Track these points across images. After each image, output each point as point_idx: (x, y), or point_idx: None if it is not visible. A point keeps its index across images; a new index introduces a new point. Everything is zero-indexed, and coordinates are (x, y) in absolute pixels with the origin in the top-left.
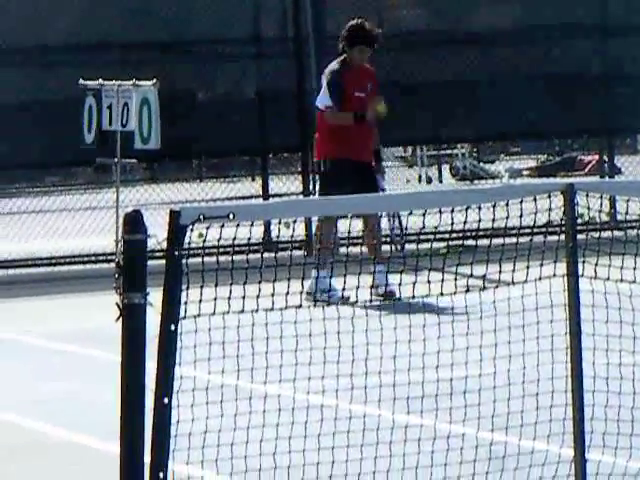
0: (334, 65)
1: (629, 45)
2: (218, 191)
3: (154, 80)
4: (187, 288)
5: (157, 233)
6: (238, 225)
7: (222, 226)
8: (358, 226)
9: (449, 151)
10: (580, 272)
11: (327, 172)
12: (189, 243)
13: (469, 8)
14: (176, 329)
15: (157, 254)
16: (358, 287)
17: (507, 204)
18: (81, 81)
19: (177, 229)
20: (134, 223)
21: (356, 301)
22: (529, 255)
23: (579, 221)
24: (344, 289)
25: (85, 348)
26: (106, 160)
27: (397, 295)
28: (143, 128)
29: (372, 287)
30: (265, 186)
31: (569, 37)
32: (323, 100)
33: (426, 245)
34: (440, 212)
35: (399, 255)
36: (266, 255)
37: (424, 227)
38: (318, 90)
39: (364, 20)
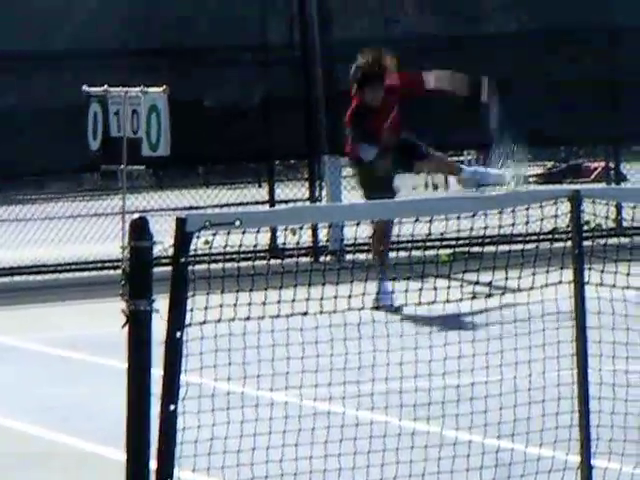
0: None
1: (635, 50)
2: (224, 197)
3: (164, 87)
4: (193, 295)
5: (163, 240)
6: (244, 232)
7: (228, 233)
8: (365, 233)
9: (455, 158)
10: (586, 279)
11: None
12: (195, 250)
13: (476, 13)
14: (182, 336)
15: (163, 261)
16: (364, 294)
17: (513, 211)
18: (84, 87)
19: (183, 236)
20: (140, 230)
21: (362, 307)
22: (535, 262)
23: (585, 228)
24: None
25: (91, 355)
26: (111, 167)
27: (391, 306)
28: (151, 135)
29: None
30: (272, 192)
31: (575, 42)
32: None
33: (432, 252)
34: (446, 219)
35: (407, 262)
36: (272, 262)
37: (430, 234)
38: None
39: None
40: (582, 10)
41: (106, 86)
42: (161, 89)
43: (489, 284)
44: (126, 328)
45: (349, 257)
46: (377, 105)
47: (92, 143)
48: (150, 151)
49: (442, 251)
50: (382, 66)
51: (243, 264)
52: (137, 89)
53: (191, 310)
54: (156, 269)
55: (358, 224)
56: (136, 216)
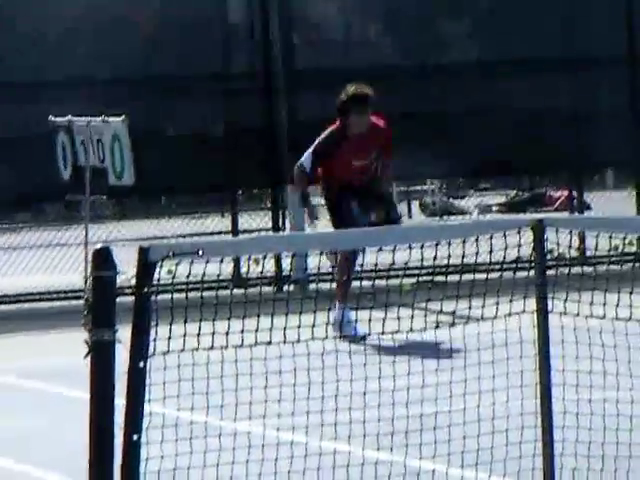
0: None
1: (598, 80)
2: (187, 227)
3: (123, 116)
4: (156, 325)
5: (126, 270)
6: (207, 261)
7: (191, 262)
8: (328, 262)
9: (419, 187)
10: (550, 308)
11: None
12: (158, 280)
13: (440, 41)
14: (145, 366)
15: (126, 291)
16: (327, 323)
17: (477, 240)
18: (51, 117)
19: (146, 265)
20: (103, 259)
21: (326, 337)
22: (499, 291)
23: (548, 257)
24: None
25: (54, 385)
26: (76, 196)
27: (354, 335)
28: (116, 164)
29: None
30: (234, 222)
31: (538, 72)
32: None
33: (395, 281)
34: (410, 248)
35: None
36: (236, 291)
37: (394, 263)
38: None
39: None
40: (545, 39)
41: (70, 116)
42: (121, 119)
43: (453, 313)
44: (89, 358)
45: (313, 286)
46: (358, 132)
47: (63, 172)
48: (116, 180)
49: (405, 280)
50: (371, 95)
51: (206, 294)
52: (99, 119)
53: (154, 340)
54: (119, 299)
55: (322, 253)
56: (99, 246)
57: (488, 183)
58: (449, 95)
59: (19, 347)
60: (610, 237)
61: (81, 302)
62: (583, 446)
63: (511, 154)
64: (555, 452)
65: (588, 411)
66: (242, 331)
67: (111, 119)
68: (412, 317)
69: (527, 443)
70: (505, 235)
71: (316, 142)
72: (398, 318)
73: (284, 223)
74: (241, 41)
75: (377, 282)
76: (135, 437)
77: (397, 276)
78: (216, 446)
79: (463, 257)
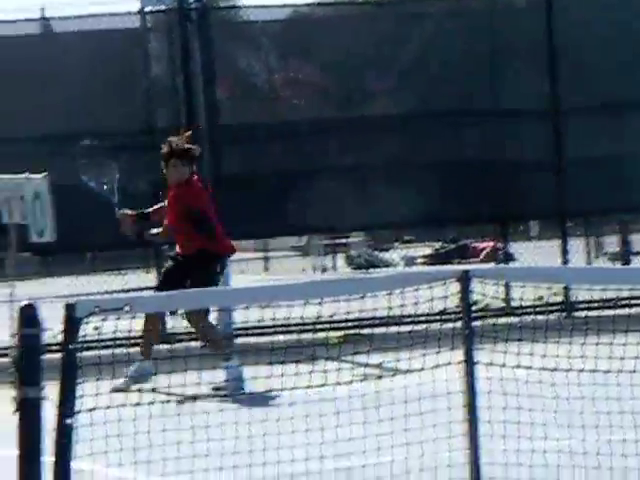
0: None
1: (522, 131)
2: (113, 284)
3: (44, 173)
4: (83, 381)
5: (52, 327)
6: (134, 317)
7: (118, 318)
8: (253, 316)
9: (344, 240)
10: (476, 359)
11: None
12: (84, 336)
13: (363, 96)
14: (72, 422)
15: (53, 347)
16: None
17: (403, 292)
18: None
19: (72, 322)
20: (28, 317)
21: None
22: (426, 343)
23: (474, 308)
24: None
25: None
26: (1, 253)
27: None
28: (38, 221)
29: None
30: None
31: (462, 123)
32: None
33: (322, 334)
34: (336, 301)
35: (298, 345)
36: (165, 347)
37: (320, 316)
38: None
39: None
40: (466, 89)
41: None
42: (41, 175)
43: (379, 365)
44: (17, 415)
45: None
46: (169, 183)
47: None
48: (37, 237)
49: (332, 333)
50: (176, 150)
51: (133, 350)
52: (22, 176)
53: (81, 396)
54: (46, 356)
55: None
56: (24, 303)
57: (413, 235)
58: (372, 146)
59: None
60: (535, 287)
61: (8, 360)
62: None
63: (437, 205)
64: None
65: (516, 461)
66: (168, 386)
67: (33, 176)
68: (339, 370)
69: None
70: (431, 287)
71: None
72: (325, 371)
73: None
74: (165, 97)
75: (304, 335)
76: None
77: (324, 329)
78: None
79: (390, 309)
